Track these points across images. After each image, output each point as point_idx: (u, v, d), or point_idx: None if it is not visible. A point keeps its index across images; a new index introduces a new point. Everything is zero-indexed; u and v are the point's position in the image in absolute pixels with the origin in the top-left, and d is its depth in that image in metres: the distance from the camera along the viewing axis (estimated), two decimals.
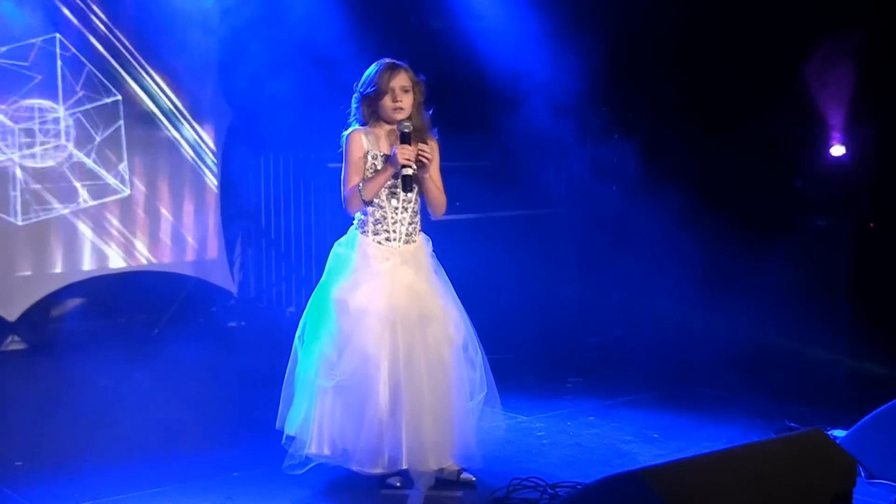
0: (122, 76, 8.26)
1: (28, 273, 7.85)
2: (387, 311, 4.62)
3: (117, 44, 8.20)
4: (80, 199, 8.09)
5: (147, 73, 8.36)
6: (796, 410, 5.88)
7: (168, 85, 8.47)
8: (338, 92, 7.45)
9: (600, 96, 7.76)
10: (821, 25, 6.79)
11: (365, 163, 4.72)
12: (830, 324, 6.79)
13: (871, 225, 6.88)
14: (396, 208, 4.74)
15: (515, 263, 7.54)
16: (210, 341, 8.14)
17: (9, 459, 5.20)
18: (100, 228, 8.17)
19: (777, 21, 6.95)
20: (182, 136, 8.61)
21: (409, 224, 4.77)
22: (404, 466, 4.59)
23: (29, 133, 7.87)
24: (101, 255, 8.20)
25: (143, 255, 8.42)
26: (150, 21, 8.28)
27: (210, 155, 8.79)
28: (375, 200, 4.71)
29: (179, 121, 8.58)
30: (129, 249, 8.34)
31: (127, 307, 8.38)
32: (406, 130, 4.64)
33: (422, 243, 4.83)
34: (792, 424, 5.56)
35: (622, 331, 7.98)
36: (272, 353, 7.67)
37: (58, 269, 7.99)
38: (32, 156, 7.88)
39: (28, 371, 7.36)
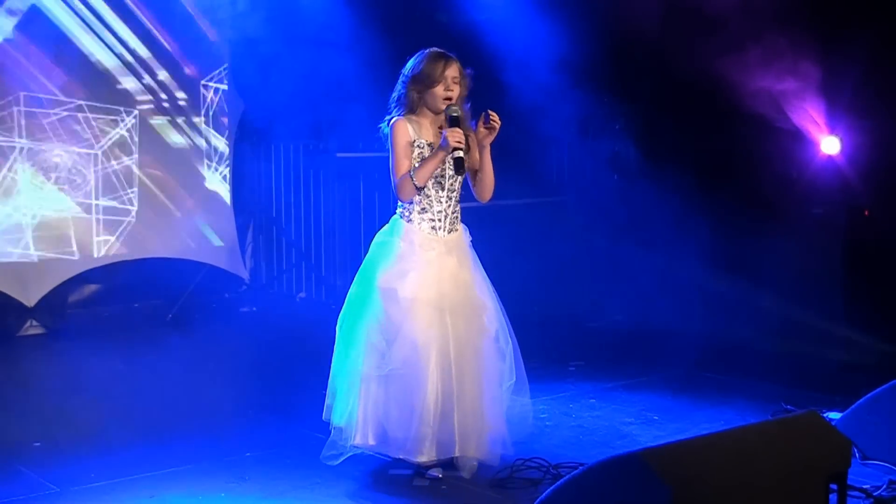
0: (136, 69, 8.35)
1: (46, 260, 7.94)
2: (436, 299, 4.60)
3: (131, 37, 8.30)
4: (97, 188, 8.19)
5: (160, 65, 8.44)
6: (792, 393, 5.92)
7: (180, 76, 8.54)
8: (346, 83, 7.56)
9: (601, 87, 7.78)
10: (818, 19, 6.82)
11: (411, 151, 4.69)
12: (826, 309, 6.83)
13: (866, 213, 6.88)
14: (441, 197, 4.72)
15: (517, 251, 7.59)
16: (222, 326, 8.26)
17: (27, 440, 5.26)
18: (115, 216, 8.25)
19: (776, 13, 6.98)
20: (195, 125, 8.68)
21: (452, 213, 4.76)
22: (456, 454, 4.59)
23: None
24: (116, 243, 8.28)
25: (158, 243, 8.49)
26: (162, 15, 8.35)
27: (222, 144, 8.85)
28: (422, 188, 4.68)
29: (192, 110, 8.64)
30: (143, 237, 8.41)
31: (142, 293, 8.46)
32: (454, 115, 4.61)
33: (462, 232, 4.81)
34: (788, 407, 5.60)
35: (623, 316, 8.01)
36: (283, 338, 7.83)
37: (75, 257, 8.07)
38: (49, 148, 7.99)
39: (46, 355, 7.42)
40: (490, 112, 4.68)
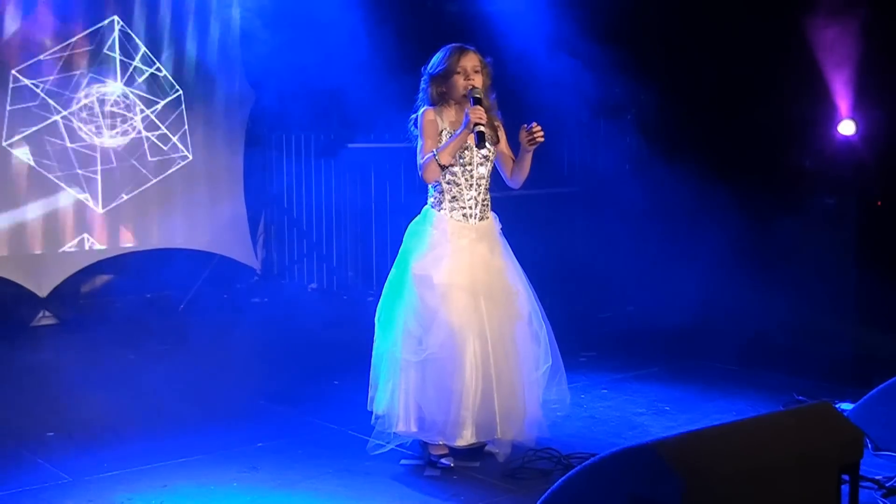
0: (154, 62, 8.37)
1: (58, 251, 7.96)
2: (470, 285, 4.66)
3: (141, 33, 8.33)
4: (109, 181, 8.22)
5: (174, 59, 8.45)
6: (804, 384, 5.93)
7: (193, 69, 8.55)
8: (357, 74, 7.56)
9: (613, 77, 7.75)
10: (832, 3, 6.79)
11: (440, 141, 4.73)
12: (838, 300, 6.82)
13: (879, 203, 6.86)
14: (471, 185, 4.76)
15: (529, 241, 7.57)
16: (233, 317, 8.27)
17: (41, 430, 5.30)
18: (127, 207, 8.28)
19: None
20: (204, 115, 8.70)
21: (482, 201, 4.81)
22: (498, 436, 4.64)
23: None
24: (128, 233, 8.32)
25: (169, 233, 8.51)
26: (174, 7, 8.38)
27: (234, 135, 8.87)
28: (450, 177, 4.73)
29: (202, 102, 8.66)
30: (155, 227, 8.44)
31: (153, 283, 8.48)
32: (477, 95, 4.66)
33: (492, 221, 4.87)
34: (800, 397, 5.61)
35: (634, 306, 8.00)
36: (294, 329, 7.84)
37: (86, 248, 8.10)
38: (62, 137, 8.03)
39: (58, 345, 7.45)
40: (534, 125, 4.67)
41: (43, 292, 7.90)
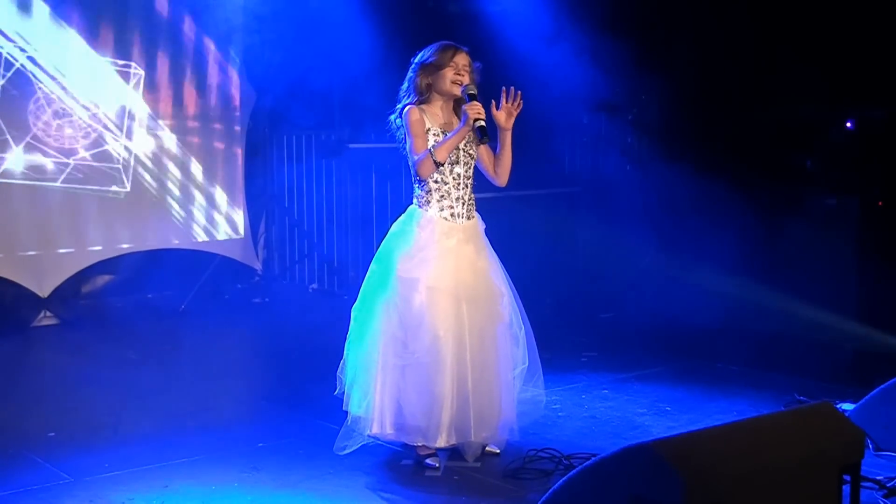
0: (150, 60, 8.38)
1: (59, 251, 7.98)
2: (454, 289, 4.64)
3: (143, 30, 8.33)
4: (108, 179, 8.22)
5: (173, 56, 8.46)
6: (805, 384, 5.92)
7: (194, 69, 8.56)
8: (358, 74, 7.56)
9: (614, 77, 7.76)
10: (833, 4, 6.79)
11: (427, 139, 4.70)
12: (840, 300, 6.81)
13: (880, 203, 6.87)
14: (458, 184, 4.74)
15: (530, 241, 7.59)
16: (234, 317, 8.28)
17: (42, 430, 5.30)
18: (128, 207, 8.29)
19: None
20: (205, 117, 8.69)
21: (469, 200, 4.79)
22: (472, 439, 4.66)
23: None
24: (129, 234, 8.32)
25: (170, 233, 8.52)
26: (173, 6, 8.38)
27: (234, 136, 8.87)
28: (438, 176, 4.70)
29: (203, 102, 8.66)
30: (156, 228, 8.44)
31: (154, 284, 8.48)
32: (472, 92, 4.64)
33: (477, 220, 4.85)
34: (801, 398, 5.59)
35: (635, 307, 8.00)
36: (295, 329, 7.84)
37: (88, 248, 8.12)
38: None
39: (59, 345, 7.47)
40: (504, 89, 4.68)
41: (44, 292, 7.90)
